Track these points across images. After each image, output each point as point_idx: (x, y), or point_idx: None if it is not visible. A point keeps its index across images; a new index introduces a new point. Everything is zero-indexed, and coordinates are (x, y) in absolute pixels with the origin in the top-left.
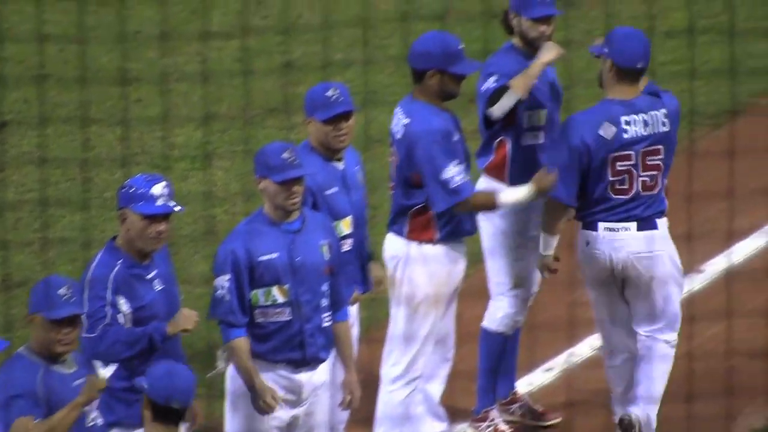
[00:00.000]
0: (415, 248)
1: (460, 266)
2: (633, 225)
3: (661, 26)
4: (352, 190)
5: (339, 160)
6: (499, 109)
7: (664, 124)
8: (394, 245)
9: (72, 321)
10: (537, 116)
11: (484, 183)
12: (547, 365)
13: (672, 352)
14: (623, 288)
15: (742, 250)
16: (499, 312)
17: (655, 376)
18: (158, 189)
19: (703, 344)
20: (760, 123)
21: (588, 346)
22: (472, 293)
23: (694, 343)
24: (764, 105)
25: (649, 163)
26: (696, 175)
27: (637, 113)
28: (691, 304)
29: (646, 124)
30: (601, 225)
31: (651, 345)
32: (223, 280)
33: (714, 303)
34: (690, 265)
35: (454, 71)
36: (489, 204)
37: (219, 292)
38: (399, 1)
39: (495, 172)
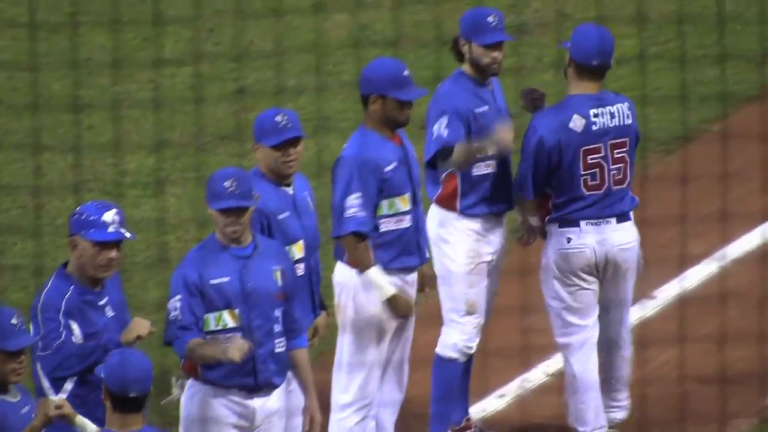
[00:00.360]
0: (354, 275)
1: (409, 291)
2: (613, 219)
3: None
4: (303, 215)
5: (288, 185)
6: (442, 166)
7: (628, 117)
8: (339, 272)
9: (24, 350)
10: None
11: (435, 213)
12: (500, 391)
13: None
14: (602, 278)
15: (695, 276)
16: (451, 338)
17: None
18: (109, 216)
19: (656, 370)
20: (712, 149)
21: (541, 372)
22: (425, 319)
23: (647, 368)
24: (715, 131)
25: (617, 155)
26: (648, 201)
27: (604, 106)
28: (643, 329)
29: (612, 116)
30: (583, 222)
31: (620, 331)
32: (175, 301)
33: (667, 329)
34: (643, 291)
35: (395, 96)
36: (358, 262)
37: (172, 313)
38: (352, 27)
39: (446, 203)
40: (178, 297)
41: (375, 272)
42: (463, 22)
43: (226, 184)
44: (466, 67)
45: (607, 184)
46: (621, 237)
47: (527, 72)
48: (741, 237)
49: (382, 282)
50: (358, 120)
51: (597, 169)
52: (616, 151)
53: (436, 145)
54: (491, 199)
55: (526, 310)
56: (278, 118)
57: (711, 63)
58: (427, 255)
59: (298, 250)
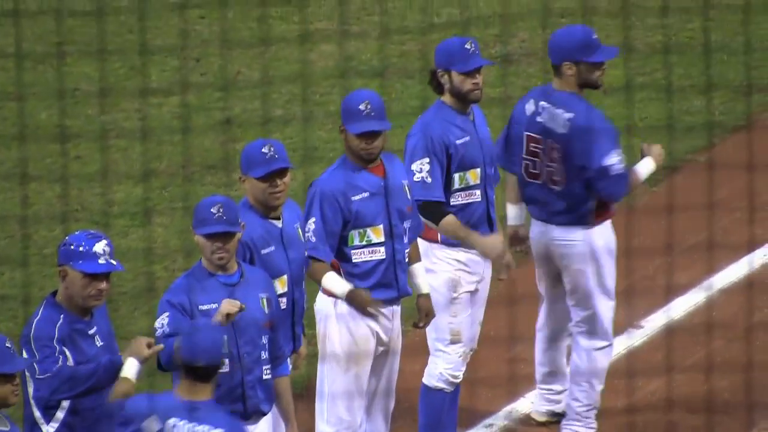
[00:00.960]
0: (332, 306)
1: (387, 324)
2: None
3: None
4: (290, 247)
5: (277, 217)
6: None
7: (563, 127)
8: (320, 301)
9: (18, 374)
10: (470, 176)
11: (419, 243)
12: (487, 421)
13: None
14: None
15: (682, 306)
16: (438, 368)
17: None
18: (100, 247)
19: (643, 399)
20: (698, 179)
21: (528, 402)
22: (412, 349)
23: (635, 397)
24: (702, 161)
25: (553, 155)
26: (634, 231)
27: (549, 103)
28: (631, 359)
29: (551, 117)
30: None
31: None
32: (162, 318)
33: (654, 358)
34: (629, 321)
35: (352, 132)
36: (313, 278)
37: (159, 330)
38: (338, 57)
39: (427, 233)
40: (165, 314)
41: (326, 280)
42: (440, 53)
43: (213, 210)
44: (446, 98)
45: (544, 177)
46: (558, 233)
47: (514, 102)
48: (727, 267)
49: (335, 285)
50: (344, 151)
51: (537, 159)
52: (552, 153)
53: (425, 192)
54: (474, 228)
55: (513, 339)
56: (265, 149)
57: (697, 93)
58: (422, 289)
59: (281, 285)
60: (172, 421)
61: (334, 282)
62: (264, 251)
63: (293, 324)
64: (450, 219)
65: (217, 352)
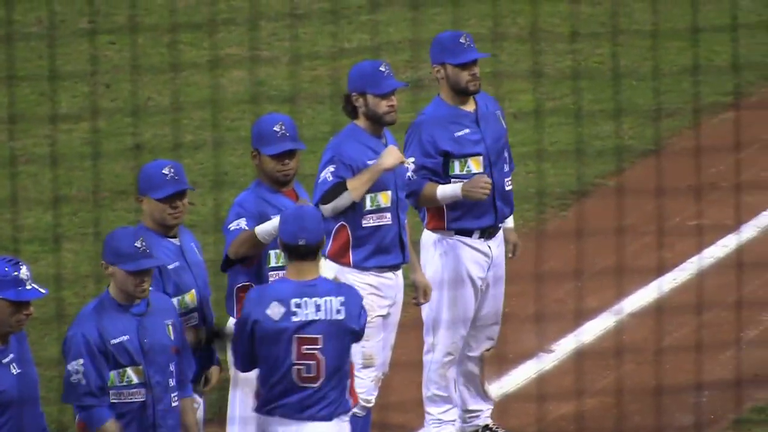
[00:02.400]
0: None
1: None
2: None
3: (508, 108)
4: (193, 265)
5: (174, 236)
6: (330, 210)
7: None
8: (229, 326)
9: None
10: (381, 198)
11: (330, 266)
12: None
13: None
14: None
15: (591, 330)
16: None
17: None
18: (24, 273)
19: (553, 423)
20: (608, 204)
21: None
22: None
23: (545, 422)
24: (611, 186)
25: None
26: (545, 256)
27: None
28: (541, 383)
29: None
30: None
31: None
32: (78, 364)
33: (564, 382)
34: (540, 345)
35: (265, 152)
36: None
37: (74, 377)
38: (249, 83)
39: (338, 257)
40: (81, 361)
41: (258, 228)
42: (354, 77)
43: (138, 244)
44: (360, 122)
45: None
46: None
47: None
48: (637, 291)
49: (267, 226)
50: (255, 176)
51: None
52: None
53: (322, 187)
54: (384, 251)
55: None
56: (165, 171)
57: (607, 118)
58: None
59: (191, 299)
60: (294, 301)
61: (265, 226)
62: (171, 267)
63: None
64: (348, 182)
65: (317, 231)
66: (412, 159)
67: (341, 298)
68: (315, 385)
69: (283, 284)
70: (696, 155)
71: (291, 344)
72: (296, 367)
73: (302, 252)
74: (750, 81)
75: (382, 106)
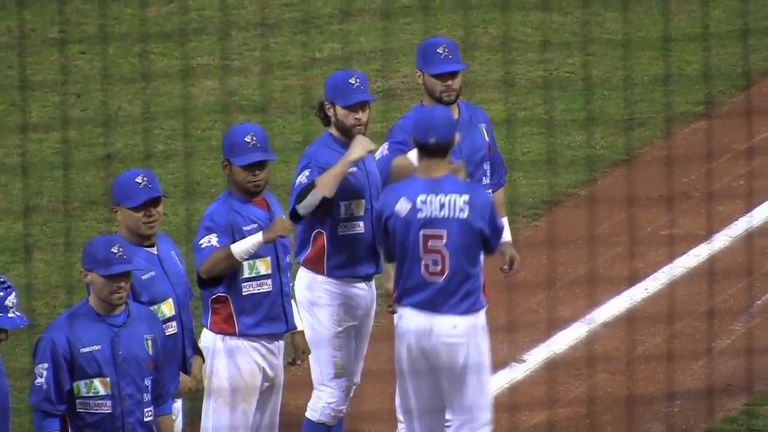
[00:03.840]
0: (219, 341)
1: (273, 359)
2: None
3: None
4: (171, 273)
5: (151, 245)
6: (303, 208)
7: None
8: (205, 337)
9: None
10: (355, 206)
11: (303, 276)
12: None
13: None
14: None
15: (563, 340)
16: (321, 402)
17: None
18: (11, 300)
19: None
20: (579, 213)
21: None
22: (296, 383)
23: None
24: (583, 196)
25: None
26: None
27: None
28: (513, 393)
29: None
30: None
31: None
32: (42, 369)
33: (536, 392)
34: (512, 355)
35: (237, 163)
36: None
37: (38, 380)
38: (220, 92)
39: (313, 264)
40: (45, 365)
41: (235, 246)
42: (328, 86)
43: (114, 249)
44: (332, 130)
45: None
46: None
47: None
48: (608, 301)
49: (245, 244)
50: (226, 185)
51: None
52: None
53: (297, 189)
54: (358, 261)
55: (396, 375)
56: (138, 180)
57: (578, 127)
58: (297, 326)
59: (168, 308)
60: (420, 197)
61: (243, 244)
62: (145, 277)
63: (184, 347)
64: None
65: (447, 130)
66: (384, 145)
67: (465, 197)
68: (441, 279)
69: (413, 182)
70: (668, 165)
71: (418, 239)
72: (423, 261)
73: (432, 149)
74: (721, 90)
75: (349, 119)
